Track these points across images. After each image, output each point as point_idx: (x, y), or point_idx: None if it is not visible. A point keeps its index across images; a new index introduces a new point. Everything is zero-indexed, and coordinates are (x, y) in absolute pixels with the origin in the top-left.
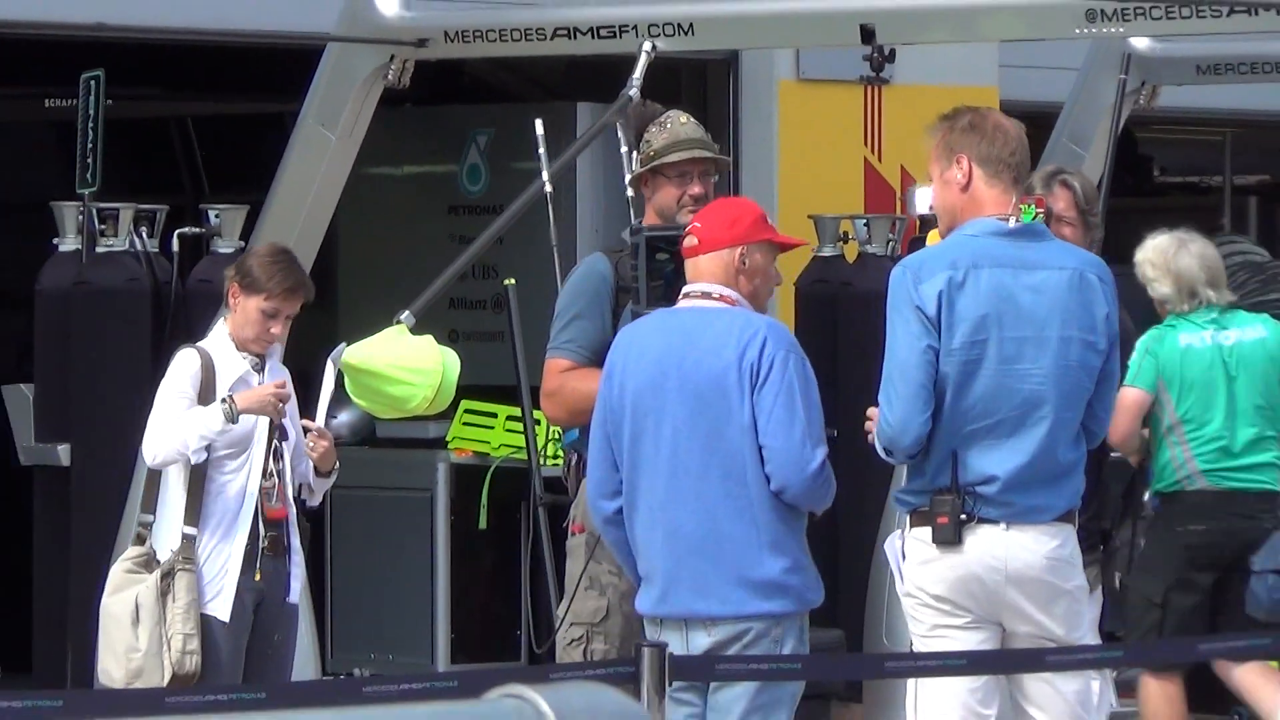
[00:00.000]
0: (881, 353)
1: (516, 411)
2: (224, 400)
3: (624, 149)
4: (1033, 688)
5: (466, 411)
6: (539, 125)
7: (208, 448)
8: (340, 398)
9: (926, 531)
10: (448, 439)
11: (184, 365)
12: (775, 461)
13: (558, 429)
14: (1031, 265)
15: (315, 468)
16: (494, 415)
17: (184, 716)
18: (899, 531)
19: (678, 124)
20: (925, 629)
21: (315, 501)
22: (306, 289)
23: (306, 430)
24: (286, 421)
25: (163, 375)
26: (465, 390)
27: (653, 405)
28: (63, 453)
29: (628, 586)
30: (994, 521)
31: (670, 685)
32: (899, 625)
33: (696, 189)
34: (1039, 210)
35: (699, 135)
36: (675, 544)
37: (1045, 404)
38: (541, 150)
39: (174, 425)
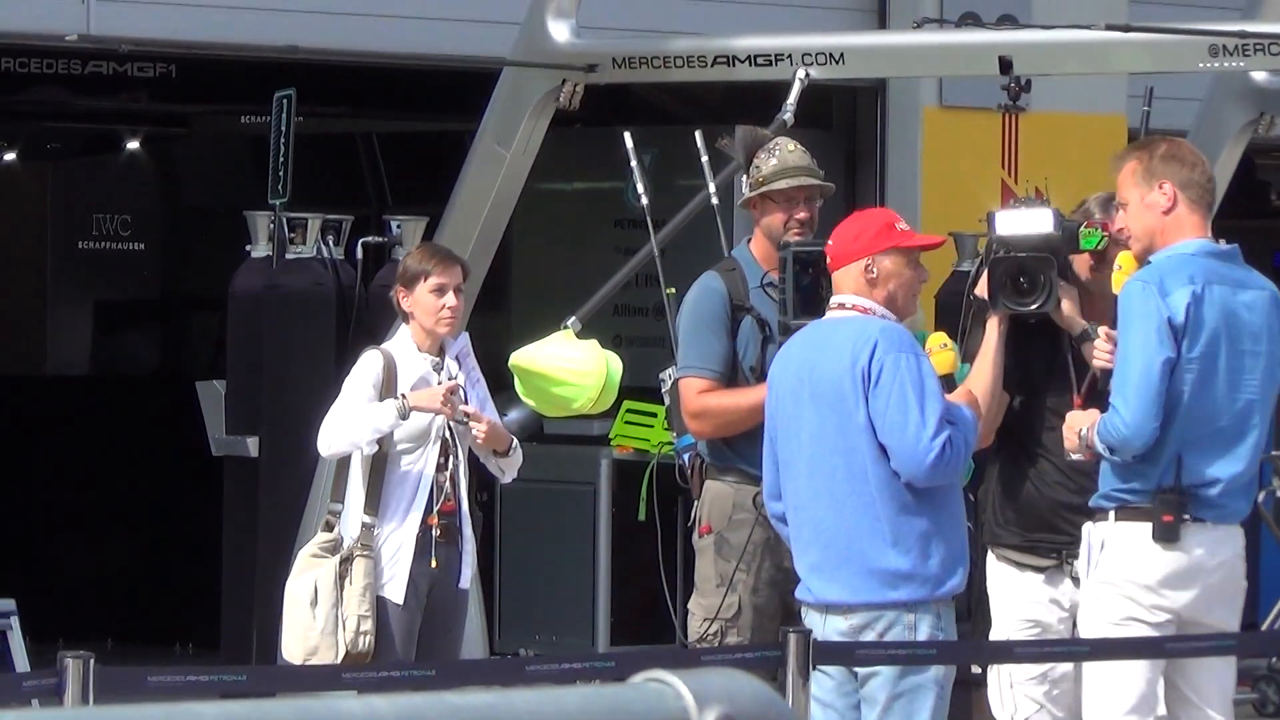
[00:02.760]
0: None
1: None
2: (400, 397)
3: (708, 173)
4: (1197, 675)
5: (628, 411)
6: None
7: (382, 440)
8: (510, 397)
9: (1144, 527)
10: (610, 436)
11: (368, 365)
12: (897, 458)
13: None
14: (1244, 284)
15: (493, 451)
16: (654, 415)
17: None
18: (1097, 524)
19: (785, 151)
20: (1118, 617)
21: (507, 479)
22: (458, 259)
23: (468, 417)
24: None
25: (348, 373)
26: (627, 391)
27: (794, 412)
28: (251, 444)
29: (755, 582)
30: (1203, 521)
31: (814, 668)
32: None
33: (802, 214)
34: (1103, 234)
35: (806, 163)
36: (816, 538)
37: (1256, 414)
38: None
39: (349, 418)
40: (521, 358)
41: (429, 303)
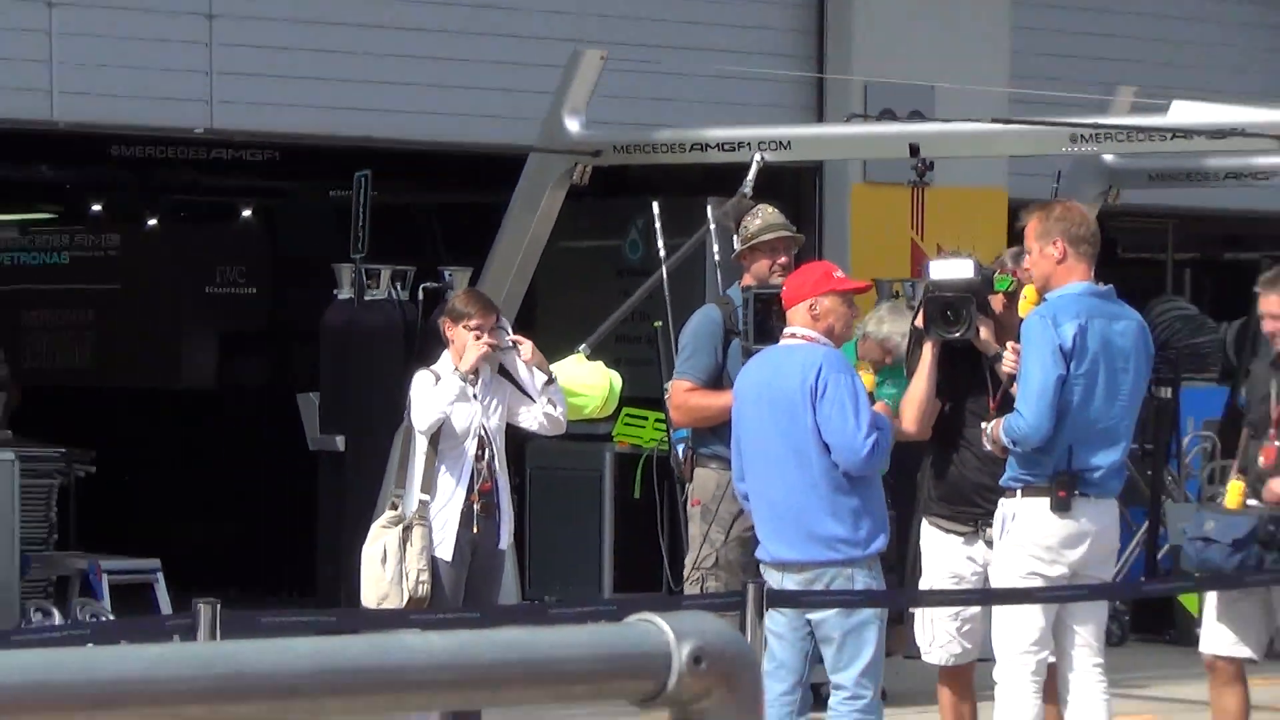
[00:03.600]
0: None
1: (661, 415)
2: (455, 372)
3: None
4: (1080, 615)
5: (627, 415)
6: (655, 206)
7: (435, 436)
8: None
9: (1044, 501)
10: (613, 434)
11: (424, 380)
12: (837, 453)
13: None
14: (1118, 316)
15: (535, 371)
16: (645, 418)
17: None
18: (1008, 500)
19: (767, 213)
20: (1024, 572)
21: (557, 416)
22: (494, 306)
23: (515, 343)
24: (496, 418)
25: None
26: (626, 400)
27: (755, 415)
28: (339, 442)
29: (728, 540)
30: (1088, 496)
31: (767, 610)
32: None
33: (783, 259)
34: (1013, 279)
35: (783, 221)
36: (772, 512)
37: (1127, 417)
38: (657, 225)
39: (429, 400)
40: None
41: (467, 337)
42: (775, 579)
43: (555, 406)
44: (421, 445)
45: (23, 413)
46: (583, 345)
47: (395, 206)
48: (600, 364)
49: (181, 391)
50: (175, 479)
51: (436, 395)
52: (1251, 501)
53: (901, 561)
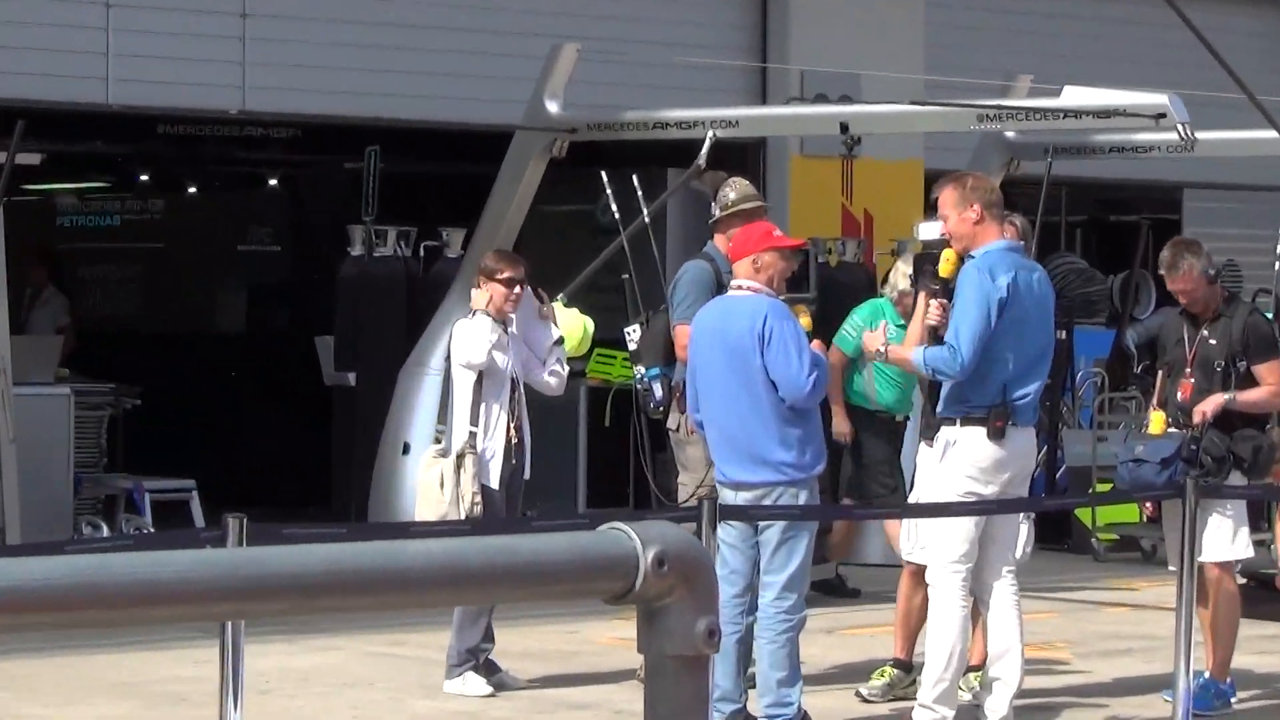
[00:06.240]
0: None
1: (629, 355)
2: (491, 318)
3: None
4: (1002, 528)
5: (598, 354)
6: (604, 175)
7: (482, 374)
8: None
9: (981, 430)
10: (586, 371)
11: (467, 325)
12: (783, 389)
13: (642, 368)
14: (1031, 269)
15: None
16: (614, 357)
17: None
18: (948, 428)
19: (743, 184)
20: (960, 491)
21: (563, 371)
22: (521, 260)
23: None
24: (517, 366)
25: (417, 333)
26: (598, 341)
27: (709, 355)
28: (351, 379)
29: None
30: (1016, 425)
31: (719, 522)
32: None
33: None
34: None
35: (755, 192)
36: (725, 437)
37: (1046, 354)
38: (609, 191)
39: (482, 340)
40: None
41: (502, 292)
42: (730, 496)
43: (561, 366)
44: (465, 385)
45: (79, 354)
46: (561, 295)
47: (400, 176)
48: (576, 310)
49: (215, 335)
50: (209, 411)
51: (486, 336)
52: (1172, 429)
53: (834, 483)
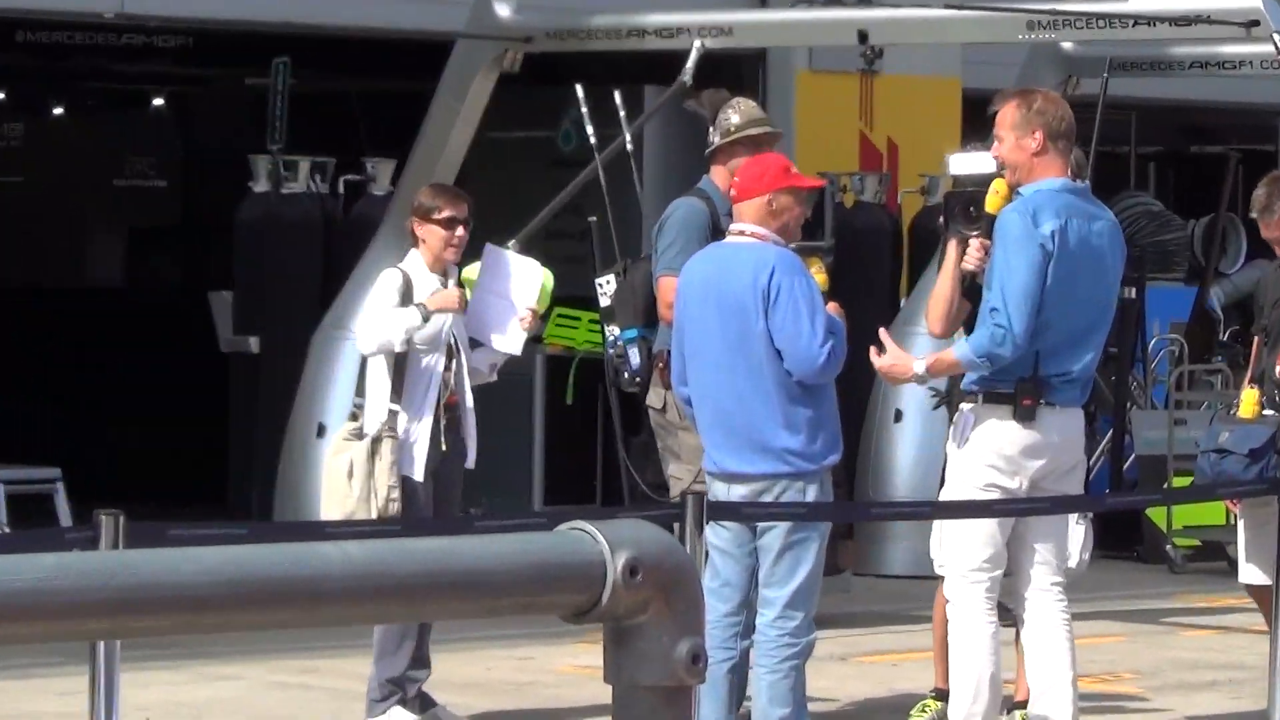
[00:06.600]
0: (871, 274)
1: (596, 315)
2: (418, 305)
3: (625, 124)
4: (1039, 529)
5: (559, 315)
6: (580, 90)
7: (408, 342)
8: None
9: (1006, 409)
10: (543, 336)
11: (390, 279)
12: (791, 361)
13: (616, 329)
14: (1095, 216)
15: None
16: (578, 319)
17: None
18: (968, 404)
19: (748, 107)
20: (980, 484)
21: (492, 377)
22: (465, 196)
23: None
24: (459, 331)
25: (335, 287)
26: (557, 299)
27: (701, 316)
28: (254, 343)
29: None
30: (1053, 405)
31: (707, 523)
32: (882, 481)
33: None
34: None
35: (764, 115)
36: (719, 421)
37: (1102, 324)
38: (585, 112)
39: (383, 324)
40: (472, 271)
41: (442, 234)
42: (721, 490)
43: (491, 373)
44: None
45: None
46: (512, 241)
47: (315, 95)
48: (533, 260)
49: (86, 291)
50: (78, 383)
51: (393, 321)
52: (1268, 411)
53: (850, 476)
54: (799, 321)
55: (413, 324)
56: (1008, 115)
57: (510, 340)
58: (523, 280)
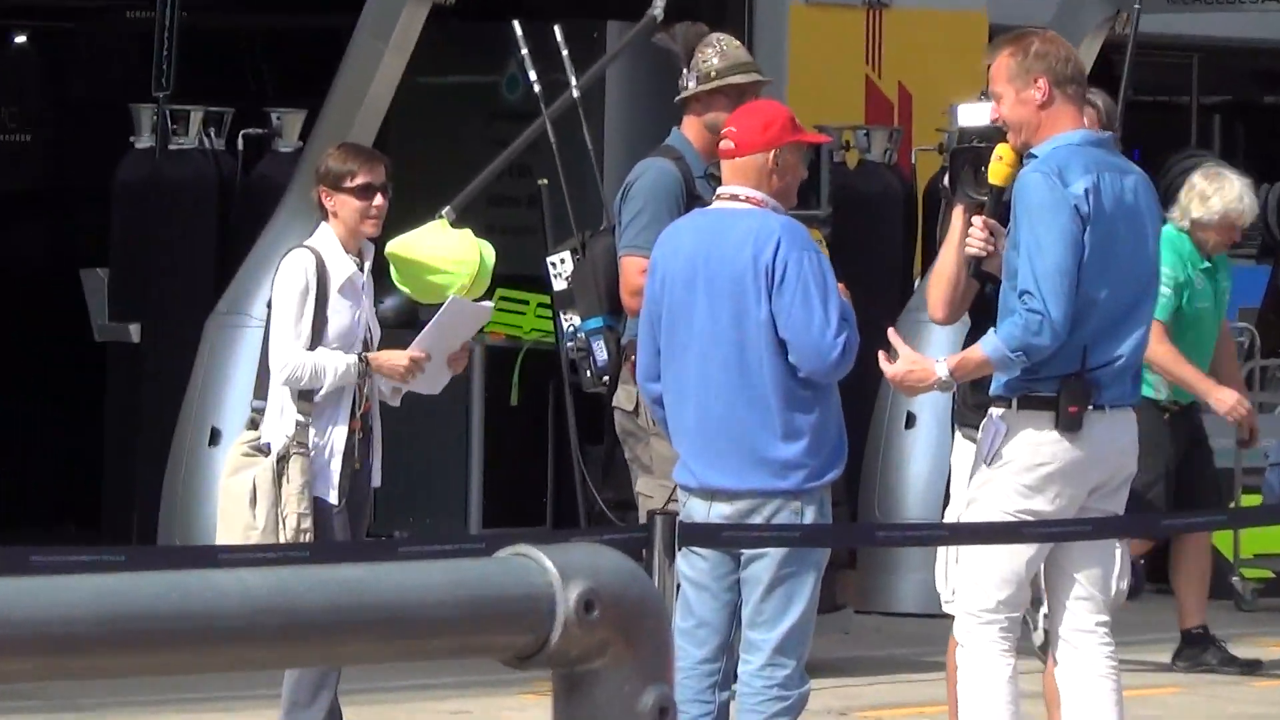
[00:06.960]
0: (879, 249)
1: (546, 299)
2: (361, 359)
3: (569, 67)
4: (1081, 557)
5: (501, 298)
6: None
7: (315, 336)
8: (386, 285)
9: (1047, 416)
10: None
11: (297, 266)
12: (799, 353)
13: (575, 318)
14: (1125, 170)
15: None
16: (525, 303)
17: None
18: (999, 411)
19: (732, 47)
20: (1013, 508)
21: (394, 402)
22: (382, 157)
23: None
24: (373, 322)
25: (236, 264)
26: (500, 279)
27: (685, 299)
28: (134, 331)
29: None
30: (1102, 409)
31: (679, 550)
32: (891, 500)
33: None
34: None
35: (749, 58)
36: (702, 425)
37: (1149, 298)
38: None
39: (312, 362)
40: (397, 246)
41: (357, 205)
42: (700, 509)
43: (395, 398)
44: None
45: None
46: (446, 209)
47: (210, 32)
48: (468, 232)
49: None
50: None
51: (328, 366)
52: None
53: (853, 493)
54: (810, 306)
55: (346, 379)
56: (1002, 67)
57: (430, 382)
58: (473, 329)
